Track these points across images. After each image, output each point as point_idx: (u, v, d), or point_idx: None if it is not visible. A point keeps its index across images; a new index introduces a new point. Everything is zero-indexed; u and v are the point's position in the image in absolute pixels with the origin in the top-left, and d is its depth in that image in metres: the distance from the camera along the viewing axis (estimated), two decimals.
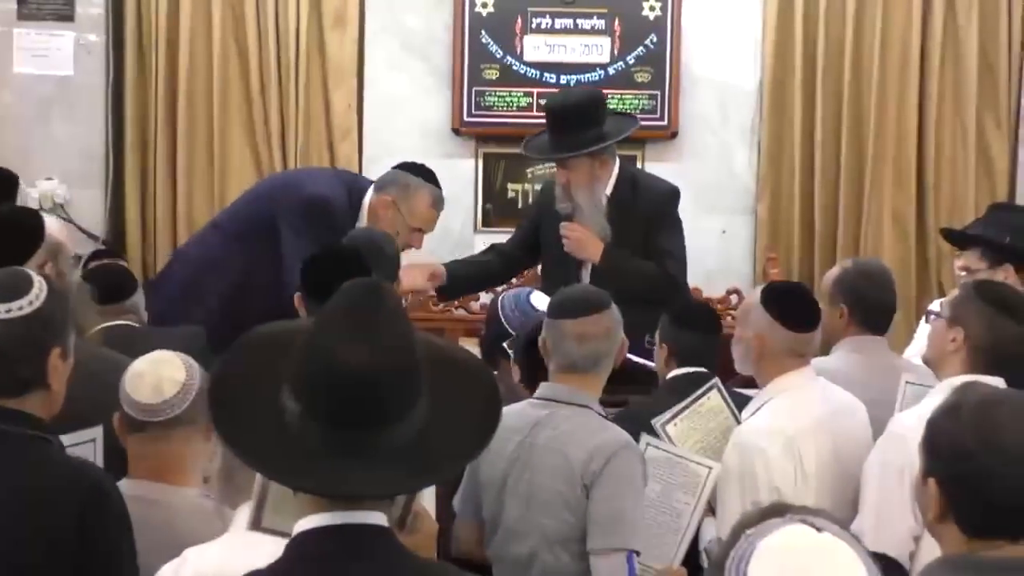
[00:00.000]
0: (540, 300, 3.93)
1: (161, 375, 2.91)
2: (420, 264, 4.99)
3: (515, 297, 4.06)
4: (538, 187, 5.92)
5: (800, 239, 6.18)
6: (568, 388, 3.32)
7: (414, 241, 4.82)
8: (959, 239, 4.59)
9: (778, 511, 1.67)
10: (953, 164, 6.13)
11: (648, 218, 4.76)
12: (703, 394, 3.67)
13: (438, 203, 4.82)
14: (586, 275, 4.79)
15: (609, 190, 4.78)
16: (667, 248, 4.74)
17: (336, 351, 1.86)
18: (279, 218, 4.76)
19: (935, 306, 3.87)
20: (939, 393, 3.18)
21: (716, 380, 3.71)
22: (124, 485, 2.79)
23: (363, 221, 4.75)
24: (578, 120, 4.70)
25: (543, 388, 3.36)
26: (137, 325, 4.04)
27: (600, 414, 3.32)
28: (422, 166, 4.89)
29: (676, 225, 4.82)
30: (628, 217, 4.74)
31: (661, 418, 3.59)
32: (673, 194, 4.84)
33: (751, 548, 1.61)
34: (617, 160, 4.83)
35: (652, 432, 3.57)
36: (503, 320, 4.00)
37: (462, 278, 5.10)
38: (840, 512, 3.21)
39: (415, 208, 4.76)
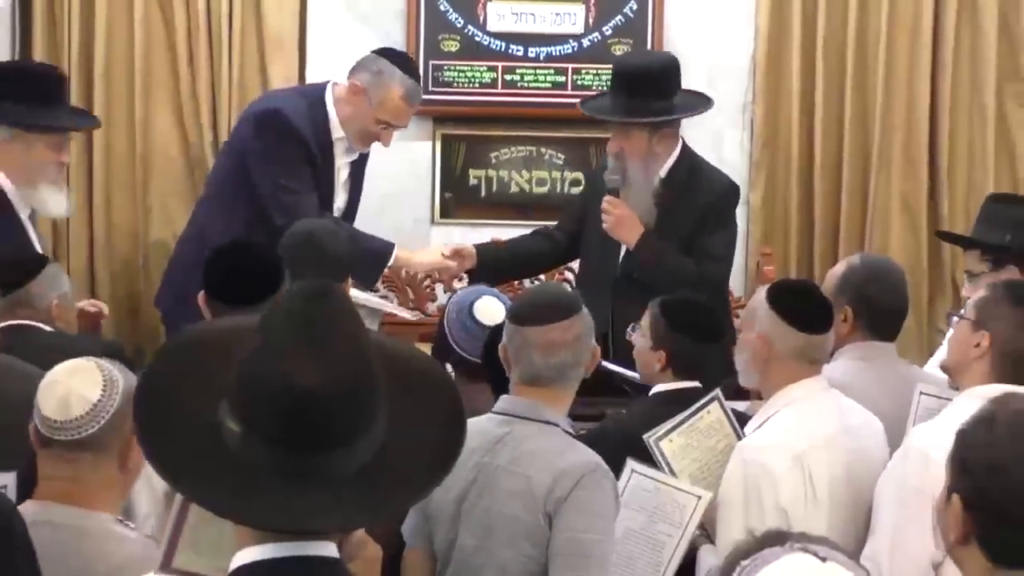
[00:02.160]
0: (483, 311, 3.94)
1: (71, 389, 2.85)
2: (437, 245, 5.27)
3: (459, 301, 4.05)
4: (503, 173, 6.22)
5: (798, 232, 6.23)
6: (531, 402, 3.28)
7: (383, 137, 5.03)
8: (955, 241, 4.70)
9: (777, 539, 1.69)
10: (970, 147, 6.19)
11: (701, 211, 4.88)
12: (703, 407, 3.68)
13: (412, 96, 5.00)
14: (619, 259, 4.95)
15: (664, 172, 4.90)
16: (712, 249, 4.86)
17: (285, 369, 1.85)
18: (244, 155, 5.01)
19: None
20: (960, 404, 3.27)
21: (718, 392, 3.73)
22: (29, 507, 2.78)
23: (333, 117, 5.00)
24: (647, 86, 4.85)
25: (503, 402, 3.34)
26: (36, 324, 3.99)
27: (567, 431, 3.30)
28: (401, 53, 5.17)
29: (728, 225, 4.96)
30: (679, 205, 4.87)
31: (655, 432, 3.60)
32: (732, 190, 5.00)
33: None
34: (680, 141, 4.96)
35: (635, 453, 3.57)
36: (445, 326, 4.02)
37: (499, 259, 5.21)
38: (853, 539, 3.34)
39: (385, 98, 4.95)
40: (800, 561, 1.65)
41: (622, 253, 4.95)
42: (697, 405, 3.69)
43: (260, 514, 1.89)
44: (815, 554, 1.65)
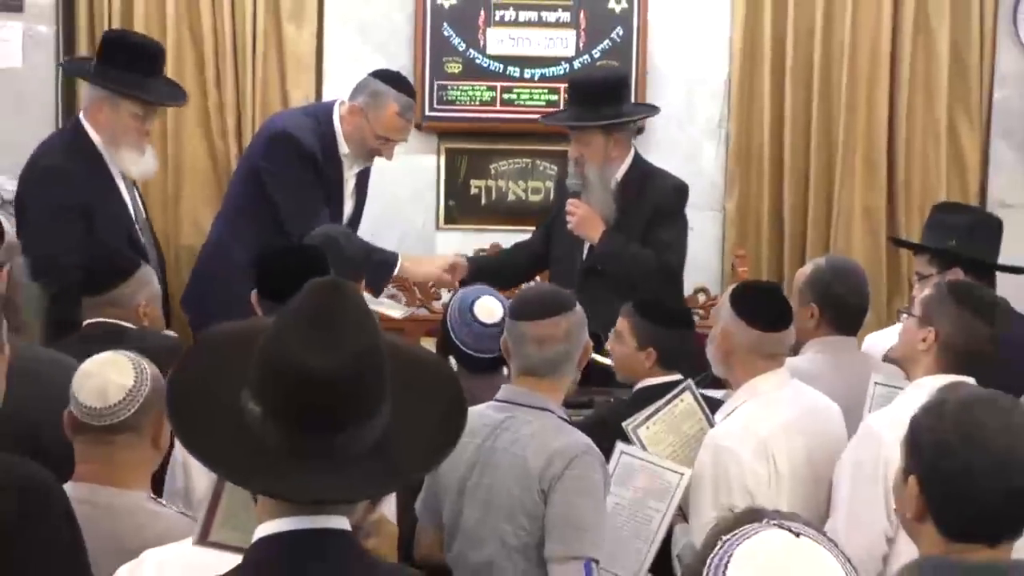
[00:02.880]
0: (482, 310, 3.94)
1: (108, 378, 2.92)
2: (436, 257, 5.40)
3: (460, 300, 4.04)
4: (501, 183, 6.26)
5: (769, 236, 6.27)
6: (529, 391, 3.34)
7: (384, 151, 5.11)
8: (906, 246, 4.56)
9: (755, 516, 1.69)
10: (924, 159, 6.22)
11: (654, 210, 4.97)
12: (676, 396, 3.72)
13: (406, 111, 5.07)
14: (583, 255, 5.03)
15: (620, 175, 5.01)
16: (667, 241, 4.95)
17: (299, 354, 1.87)
18: (258, 173, 5.07)
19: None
20: (909, 393, 3.35)
21: (690, 382, 3.77)
22: (69, 488, 2.76)
23: (340, 133, 5.08)
24: (599, 95, 4.97)
25: (503, 390, 3.39)
26: (118, 323, 4.01)
27: (562, 418, 3.34)
28: (395, 73, 5.19)
29: (680, 221, 5.05)
30: (634, 205, 4.96)
31: (633, 421, 3.64)
32: (682, 190, 5.07)
33: (728, 554, 1.63)
34: (633, 149, 5.09)
35: (624, 438, 3.62)
36: (448, 323, 4.00)
37: (488, 271, 5.27)
38: (814, 516, 3.34)
39: (381, 116, 5.03)
40: (776, 536, 1.64)
41: (586, 249, 5.03)
42: (671, 395, 3.71)
43: (279, 488, 1.90)
44: (789, 529, 1.65)
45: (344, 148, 5.12)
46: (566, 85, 5.23)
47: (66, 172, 4.71)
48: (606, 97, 4.98)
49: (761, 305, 3.66)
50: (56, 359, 3.29)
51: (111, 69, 4.79)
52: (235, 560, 1.99)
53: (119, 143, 4.77)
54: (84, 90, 4.91)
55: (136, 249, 4.78)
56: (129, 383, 2.91)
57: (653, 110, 5.29)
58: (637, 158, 5.08)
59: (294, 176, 5.01)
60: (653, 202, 4.98)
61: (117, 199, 4.84)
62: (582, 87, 5.06)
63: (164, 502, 3.01)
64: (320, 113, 5.17)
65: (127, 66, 4.78)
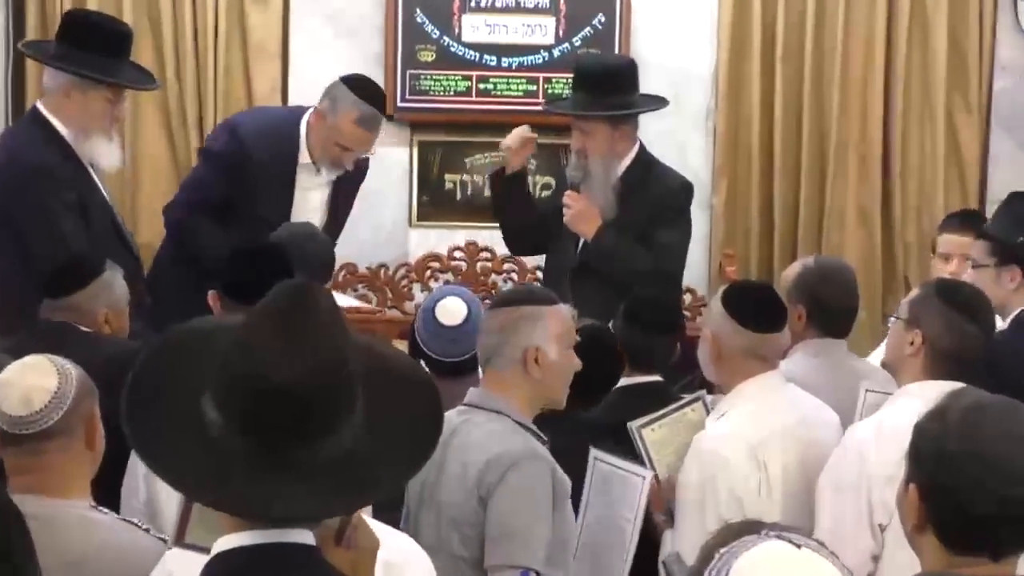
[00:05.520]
0: (444, 311, 3.90)
1: (29, 384, 2.89)
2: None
3: (426, 304, 4.05)
4: (477, 178, 6.27)
5: (758, 234, 6.35)
6: (486, 392, 3.37)
7: (344, 159, 5.05)
8: (970, 225, 4.51)
9: (752, 528, 1.72)
10: (921, 152, 6.32)
11: (655, 206, 4.93)
12: (688, 404, 3.79)
13: (366, 121, 4.98)
14: (577, 251, 5.02)
15: (622, 170, 4.97)
16: (666, 242, 4.92)
17: (263, 362, 1.88)
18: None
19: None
20: (895, 402, 3.41)
21: (703, 393, 3.83)
22: None
23: (303, 141, 5.04)
24: (607, 84, 4.93)
25: (469, 393, 3.42)
26: (72, 324, 3.94)
27: (518, 421, 3.33)
28: (365, 80, 5.11)
29: (681, 220, 5.02)
30: (635, 200, 4.91)
31: (639, 420, 3.71)
32: (688, 189, 5.06)
33: (726, 567, 1.67)
34: (638, 142, 5.03)
35: (596, 439, 3.69)
36: (415, 326, 4.01)
37: (525, 190, 5.24)
38: (805, 526, 3.33)
39: (339, 123, 4.96)
40: (776, 548, 1.68)
41: (580, 244, 5.02)
42: (683, 401, 3.80)
43: (231, 501, 1.92)
44: (790, 541, 1.69)
45: (304, 158, 5.07)
46: (572, 71, 5.19)
47: (53, 169, 4.59)
48: (614, 86, 4.94)
49: (753, 305, 3.68)
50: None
51: (75, 51, 4.64)
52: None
53: (90, 133, 4.65)
54: (46, 76, 4.80)
55: (122, 240, 4.78)
56: (52, 385, 2.89)
57: (662, 102, 5.19)
58: (642, 151, 5.04)
59: (215, 163, 5.03)
60: (656, 199, 4.95)
61: (97, 191, 4.76)
62: (589, 74, 4.99)
63: (105, 510, 3.00)
64: (289, 119, 5.14)
65: (94, 48, 4.65)
